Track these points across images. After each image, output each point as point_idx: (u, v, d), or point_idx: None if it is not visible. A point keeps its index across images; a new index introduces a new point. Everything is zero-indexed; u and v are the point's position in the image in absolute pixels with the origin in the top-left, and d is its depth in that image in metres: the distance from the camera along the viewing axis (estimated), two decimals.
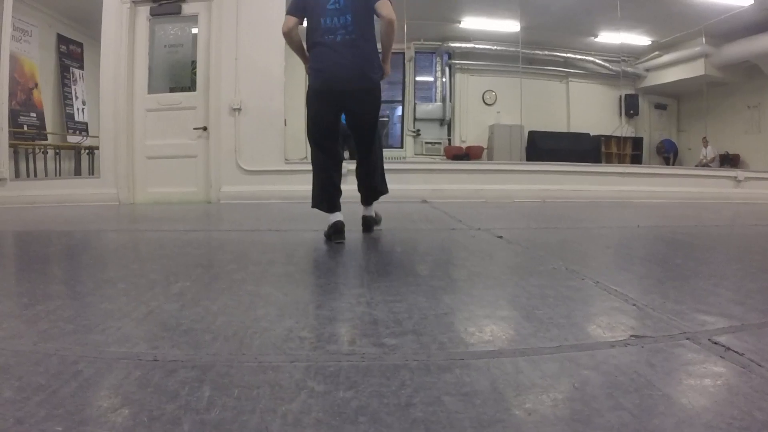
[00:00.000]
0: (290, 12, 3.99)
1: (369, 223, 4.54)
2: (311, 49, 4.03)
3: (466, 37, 11.59)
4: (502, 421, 1.26)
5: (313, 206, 4.25)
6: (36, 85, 9.40)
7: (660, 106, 13.40)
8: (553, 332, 1.91)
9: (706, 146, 12.10)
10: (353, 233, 4.26)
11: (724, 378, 1.54)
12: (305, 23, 4.06)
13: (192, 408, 1.31)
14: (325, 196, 4.17)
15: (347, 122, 4.25)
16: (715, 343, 1.79)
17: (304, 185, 7.41)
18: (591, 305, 2.38)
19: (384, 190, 4.54)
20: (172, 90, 7.99)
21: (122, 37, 7.58)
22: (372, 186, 4.45)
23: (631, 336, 1.86)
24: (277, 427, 1.23)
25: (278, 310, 2.20)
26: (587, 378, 1.51)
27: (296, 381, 1.48)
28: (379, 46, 4.12)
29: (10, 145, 7.93)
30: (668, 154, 12.77)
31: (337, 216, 4.09)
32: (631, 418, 1.28)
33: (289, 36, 4.01)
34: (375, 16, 3.95)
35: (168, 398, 1.36)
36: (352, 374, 1.54)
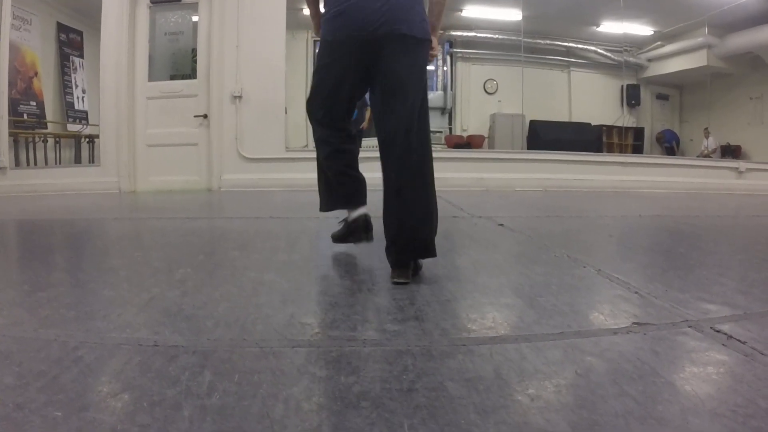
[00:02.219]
0: None
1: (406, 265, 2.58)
2: None
3: (468, 25, 11.55)
4: (505, 406, 1.26)
5: (324, 209, 3.16)
6: (36, 74, 9.37)
7: (662, 97, 13.38)
8: (556, 319, 1.90)
9: (707, 137, 12.08)
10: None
11: (727, 366, 1.54)
12: None
13: (193, 393, 1.30)
14: (342, 188, 2.98)
15: (377, 100, 2.72)
16: (718, 331, 1.79)
17: (305, 173, 7.34)
18: (594, 293, 2.37)
19: (432, 236, 2.63)
20: (172, 78, 7.97)
21: (122, 25, 7.54)
22: (410, 225, 2.56)
23: (634, 323, 1.85)
24: (278, 412, 1.22)
25: (280, 296, 2.19)
26: (591, 365, 1.51)
27: (298, 366, 1.48)
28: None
29: (10, 134, 7.91)
30: (668, 144, 12.75)
31: (361, 210, 2.96)
32: (636, 404, 1.27)
33: None
34: None
35: (169, 383, 1.36)
36: (354, 360, 1.53)
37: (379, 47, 2.59)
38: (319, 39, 2.88)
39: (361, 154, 3.04)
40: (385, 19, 2.57)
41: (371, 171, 2.92)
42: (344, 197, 3.00)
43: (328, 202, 3.10)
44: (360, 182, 2.99)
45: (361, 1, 2.58)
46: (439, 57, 11.91)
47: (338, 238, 3.15)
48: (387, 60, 2.61)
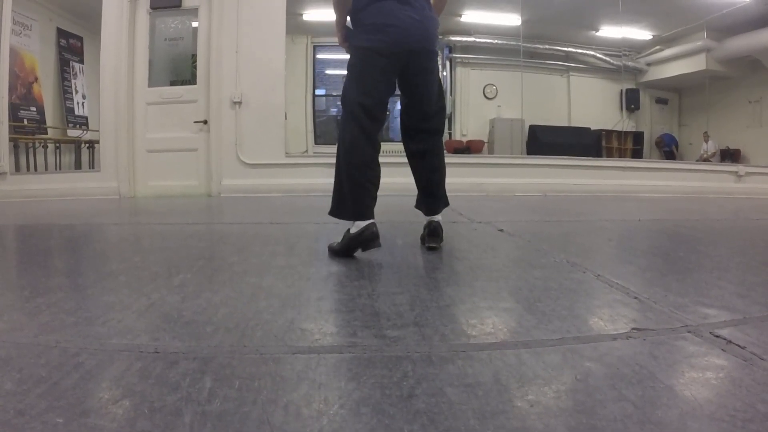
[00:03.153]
0: None
1: (437, 232, 3.48)
2: (369, 5, 3.16)
3: (467, 30, 11.59)
4: (505, 412, 1.26)
5: (334, 213, 3.30)
6: (36, 79, 9.39)
7: (661, 101, 13.42)
8: (555, 324, 1.91)
9: (707, 141, 12.11)
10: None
11: (726, 371, 1.54)
12: None
13: (193, 399, 1.31)
14: (361, 198, 3.15)
15: (411, 97, 3.39)
16: (717, 336, 1.79)
17: (305, 179, 7.37)
18: (593, 298, 2.37)
19: (446, 198, 3.62)
20: (172, 83, 7.98)
21: (122, 30, 7.56)
22: (439, 183, 3.52)
23: (633, 329, 1.86)
24: (278, 418, 1.22)
25: (280, 301, 2.20)
26: (590, 370, 1.51)
27: (297, 372, 1.48)
28: None
29: (10, 139, 7.91)
30: (668, 148, 12.76)
31: (367, 222, 3.12)
32: (635, 409, 1.28)
33: None
34: None
35: (169, 390, 1.36)
36: (354, 366, 1.54)
37: (419, 57, 3.22)
38: (340, 46, 3.41)
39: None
40: (427, 34, 3.21)
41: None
42: (360, 208, 3.14)
43: (344, 209, 3.22)
44: (374, 197, 3.22)
45: (408, 18, 3.12)
46: (438, 62, 11.94)
47: (340, 252, 3.21)
48: (423, 68, 3.29)
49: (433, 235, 3.46)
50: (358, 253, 3.16)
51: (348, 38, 3.33)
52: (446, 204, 3.60)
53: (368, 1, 3.17)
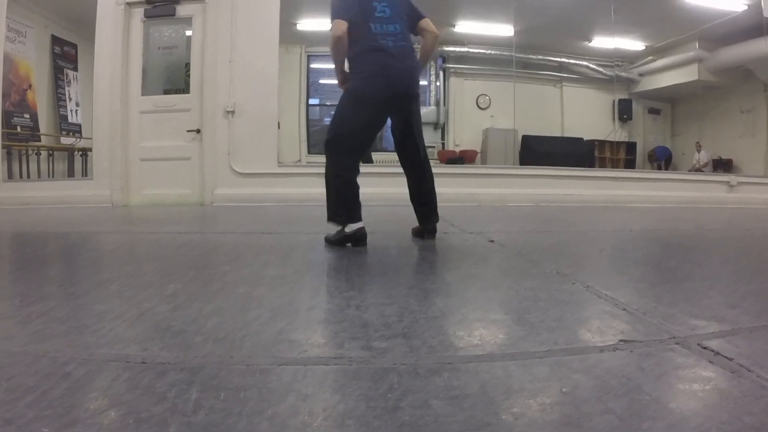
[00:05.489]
0: (340, 16, 3.77)
1: (435, 230, 4.28)
2: (364, 54, 3.88)
3: (461, 41, 11.63)
4: (490, 424, 1.26)
5: (332, 219, 3.95)
6: (30, 86, 9.39)
7: (654, 111, 13.46)
8: (543, 336, 1.91)
9: (699, 151, 12.15)
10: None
11: (713, 383, 1.54)
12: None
13: (179, 410, 1.31)
14: (350, 204, 3.90)
15: (400, 132, 4.16)
16: (705, 347, 1.79)
17: (297, 188, 7.37)
18: (582, 309, 2.37)
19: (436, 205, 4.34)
20: (166, 92, 8.00)
21: (117, 38, 7.57)
22: (433, 201, 4.26)
23: (621, 341, 1.86)
24: (263, 429, 1.23)
25: (270, 312, 2.19)
26: (577, 382, 1.51)
27: (284, 384, 1.48)
28: None
29: (4, 146, 7.93)
30: (660, 161, 12.79)
31: (359, 224, 3.88)
32: (620, 422, 1.28)
33: (342, 40, 3.77)
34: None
35: (156, 400, 1.36)
36: (340, 377, 1.54)
37: (407, 100, 4.02)
38: (339, 87, 4.08)
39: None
40: (412, 81, 4.05)
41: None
42: (350, 211, 3.89)
43: (339, 213, 3.92)
44: (360, 203, 3.93)
45: (398, 69, 3.89)
46: (432, 72, 11.99)
47: (334, 242, 3.92)
48: (411, 109, 4.07)
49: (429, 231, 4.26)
50: (349, 262, 3.26)
51: (346, 81, 3.98)
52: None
53: (361, 50, 3.86)
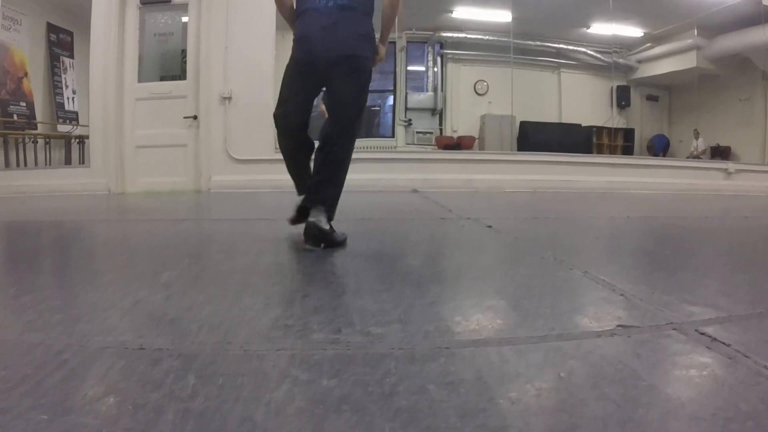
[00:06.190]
0: None
1: (314, 233, 3.27)
2: (299, 16, 3.41)
3: (458, 26, 11.59)
4: (485, 410, 1.26)
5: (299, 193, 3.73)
6: (26, 74, 9.34)
7: (652, 98, 13.45)
8: (539, 322, 1.91)
9: (697, 138, 12.14)
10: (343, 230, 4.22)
11: (709, 369, 1.54)
12: None
13: (176, 397, 1.31)
14: (294, 178, 3.84)
15: (327, 102, 3.62)
16: (702, 333, 1.79)
17: None
18: (578, 295, 2.38)
19: (330, 197, 3.41)
20: (162, 79, 7.94)
21: (112, 25, 7.52)
22: (324, 179, 3.41)
23: (618, 326, 1.86)
24: (260, 415, 1.23)
25: (265, 299, 2.20)
26: (572, 368, 1.51)
27: (280, 370, 1.48)
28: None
29: (0, 135, 7.89)
30: (658, 153, 12.78)
31: (300, 197, 3.57)
32: (616, 408, 1.28)
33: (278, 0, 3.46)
34: None
35: (152, 387, 1.36)
36: (336, 363, 1.54)
37: (333, 66, 3.30)
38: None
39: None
40: (339, 42, 3.27)
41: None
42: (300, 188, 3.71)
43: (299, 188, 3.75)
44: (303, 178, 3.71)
45: (320, 28, 3.26)
46: (430, 58, 11.95)
47: (293, 220, 3.62)
48: (338, 78, 3.34)
49: (307, 235, 3.31)
50: (345, 249, 3.30)
51: None
52: (328, 200, 3.41)
53: (299, 12, 3.43)
